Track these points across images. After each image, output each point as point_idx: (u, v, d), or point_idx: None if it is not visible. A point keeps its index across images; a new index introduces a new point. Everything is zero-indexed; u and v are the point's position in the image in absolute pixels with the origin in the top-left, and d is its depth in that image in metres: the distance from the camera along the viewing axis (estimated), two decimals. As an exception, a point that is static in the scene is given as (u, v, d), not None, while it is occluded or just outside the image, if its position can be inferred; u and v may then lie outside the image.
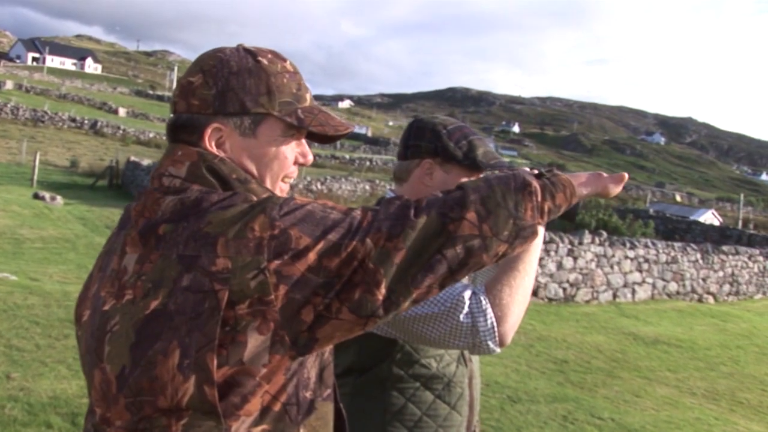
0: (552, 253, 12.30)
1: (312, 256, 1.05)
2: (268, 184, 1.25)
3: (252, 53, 1.24)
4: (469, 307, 1.52)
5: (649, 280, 13.74)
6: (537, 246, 1.61)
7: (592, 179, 1.38)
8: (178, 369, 1.03)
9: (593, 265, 12.79)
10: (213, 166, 1.18)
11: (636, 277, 13.51)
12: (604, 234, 13.51)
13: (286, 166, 1.27)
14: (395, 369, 1.74)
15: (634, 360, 8.52)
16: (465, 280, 1.94)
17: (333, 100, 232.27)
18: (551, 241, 12.30)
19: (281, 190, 1.29)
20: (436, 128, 1.81)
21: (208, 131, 1.20)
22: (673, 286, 14.17)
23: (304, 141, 1.31)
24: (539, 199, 1.21)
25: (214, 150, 1.20)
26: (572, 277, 12.50)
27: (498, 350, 1.55)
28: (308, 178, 26.67)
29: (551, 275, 12.27)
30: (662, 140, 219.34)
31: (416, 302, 1.11)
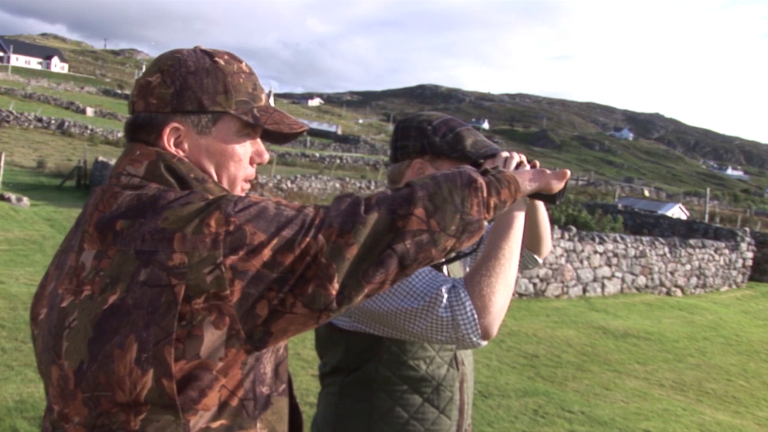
0: (522, 249, 12.36)
1: (267, 252, 1.06)
2: (225, 184, 1.27)
3: (209, 54, 1.27)
4: (447, 300, 1.47)
5: (618, 274, 13.90)
6: (517, 233, 1.56)
7: (536, 176, 1.42)
8: (135, 363, 1.03)
9: (563, 260, 12.90)
10: (171, 165, 1.19)
11: (605, 271, 13.66)
12: (574, 229, 13.63)
13: (243, 165, 1.29)
14: (382, 370, 1.72)
15: (604, 353, 8.61)
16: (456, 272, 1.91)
17: (302, 98, 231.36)
18: (521, 236, 12.36)
19: (242, 190, 1.31)
20: (421, 125, 1.78)
21: (167, 130, 1.21)
22: (641, 280, 14.35)
23: (259, 140, 1.34)
24: (485, 195, 1.23)
25: (172, 149, 1.22)
26: (542, 272, 12.59)
27: (483, 343, 1.49)
28: (278, 177, 26.51)
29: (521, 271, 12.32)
30: (630, 136, 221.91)
31: (368, 296, 1.13)
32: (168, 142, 1.22)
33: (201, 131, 1.24)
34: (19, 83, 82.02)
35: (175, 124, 1.21)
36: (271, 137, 1.36)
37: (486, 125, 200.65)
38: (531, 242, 1.96)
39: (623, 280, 13.99)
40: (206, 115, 1.23)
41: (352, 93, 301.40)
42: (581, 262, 13.23)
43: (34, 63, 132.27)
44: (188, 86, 1.22)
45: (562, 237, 12.96)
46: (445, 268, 1.84)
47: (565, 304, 12.07)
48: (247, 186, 1.32)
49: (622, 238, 14.22)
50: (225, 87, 1.24)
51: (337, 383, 1.78)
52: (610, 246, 13.77)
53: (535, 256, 2.05)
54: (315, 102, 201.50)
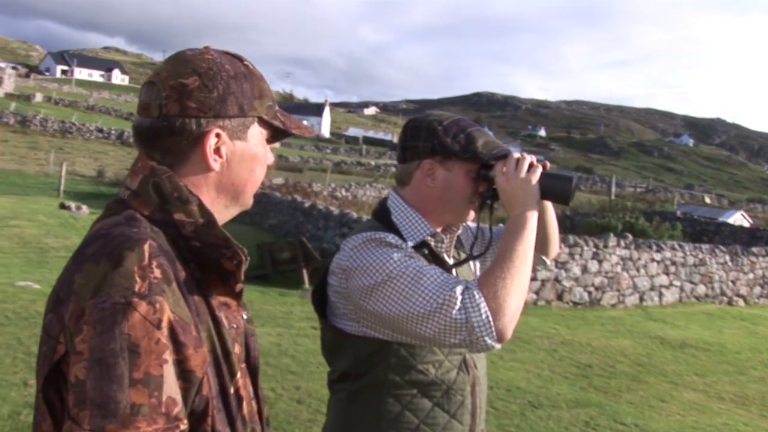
0: (576, 257, 12.14)
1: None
2: (249, 190, 1.28)
3: (238, 57, 1.27)
4: (461, 302, 1.45)
5: (677, 282, 13.50)
6: (530, 234, 1.57)
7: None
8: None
9: (619, 269, 12.61)
10: (158, 183, 1.18)
11: (663, 280, 13.29)
12: (630, 237, 13.31)
13: (264, 169, 1.30)
14: (390, 374, 1.68)
15: (660, 364, 8.35)
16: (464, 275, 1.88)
17: (358, 107, 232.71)
18: (575, 244, 12.14)
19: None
20: (432, 125, 1.74)
21: (210, 135, 1.19)
22: (701, 289, 13.91)
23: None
24: None
25: (211, 156, 1.20)
26: (597, 280, 12.32)
27: (497, 346, 1.47)
28: (333, 185, 26.64)
29: (576, 279, 12.11)
30: (690, 142, 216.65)
31: None
32: (209, 149, 1.20)
33: (237, 136, 1.23)
34: (82, 95, 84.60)
35: (218, 130, 1.20)
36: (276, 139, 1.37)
37: (543, 132, 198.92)
38: (539, 243, 1.91)
39: (682, 288, 13.59)
40: (244, 119, 1.23)
41: (407, 101, 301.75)
42: (638, 270, 12.90)
43: (96, 75, 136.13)
44: (231, 91, 1.20)
45: (618, 245, 12.67)
46: (454, 271, 1.80)
47: (621, 314, 11.78)
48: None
49: (680, 246, 13.83)
50: (260, 92, 1.25)
51: (346, 389, 1.75)
52: (668, 254, 13.40)
53: (543, 257, 2.02)
54: (371, 111, 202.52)
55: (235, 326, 1.24)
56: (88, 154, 37.17)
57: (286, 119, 1.30)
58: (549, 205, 1.89)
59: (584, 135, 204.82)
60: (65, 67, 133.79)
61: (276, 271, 12.31)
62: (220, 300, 1.21)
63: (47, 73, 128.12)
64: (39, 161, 32.47)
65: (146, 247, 1.07)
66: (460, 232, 1.92)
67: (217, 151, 1.21)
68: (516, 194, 1.62)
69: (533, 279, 11.63)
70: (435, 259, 1.75)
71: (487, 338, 1.44)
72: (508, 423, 5.34)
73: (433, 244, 1.77)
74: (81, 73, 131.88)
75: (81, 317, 1.02)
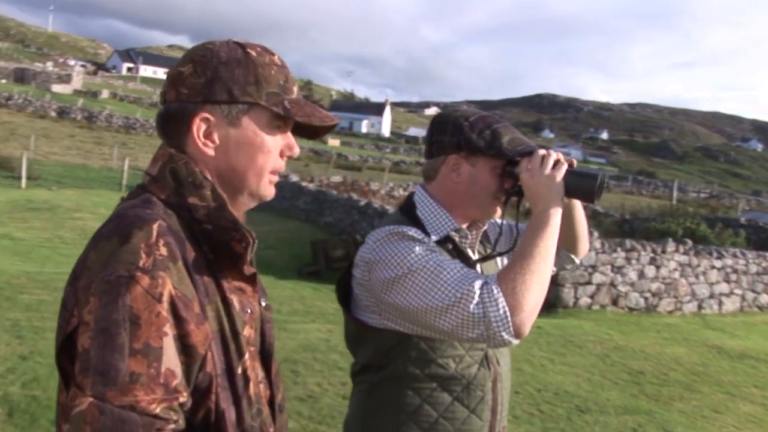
0: (633, 262, 11.89)
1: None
2: (252, 177, 1.28)
3: (241, 45, 1.28)
4: (479, 296, 1.45)
5: (738, 291, 13.09)
6: (553, 231, 1.56)
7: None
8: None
9: (677, 275, 12.30)
10: (174, 168, 1.22)
11: (723, 287, 12.91)
12: (689, 242, 12.97)
13: (272, 157, 1.28)
14: (410, 367, 1.69)
15: (716, 374, 8.10)
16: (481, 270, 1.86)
17: (419, 107, 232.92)
18: (632, 249, 11.90)
19: (270, 182, 1.30)
20: (458, 121, 1.74)
21: (196, 120, 1.22)
22: (764, 298, 13.46)
23: (290, 134, 1.33)
24: None
25: (201, 140, 1.23)
26: (654, 286, 12.04)
27: (515, 341, 1.46)
28: (391, 184, 26.67)
29: (632, 284, 11.86)
30: (759, 147, 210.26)
31: None
32: (198, 132, 1.23)
33: (231, 122, 1.24)
34: (146, 92, 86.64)
35: (206, 114, 1.22)
36: (305, 132, 1.36)
37: (605, 135, 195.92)
38: (568, 242, 1.92)
39: (743, 297, 13.17)
40: (237, 105, 1.23)
41: (468, 102, 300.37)
42: (697, 277, 12.56)
43: (160, 73, 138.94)
44: (219, 76, 1.22)
45: (677, 250, 12.36)
46: (478, 266, 1.80)
47: (678, 321, 11.48)
48: (275, 178, 1.32)
49: (742, 254, 13.42)
50: (256, 78, 1.24)
51: (367, 381, 1.77)
52: (729, 261, 13.01)
53: (572, 256, 2.00)
54: (432, 111, 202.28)
55: (249, 311, 1.27)
56: (151, 149, 37.99)
57: (294, 107, 1.27)
58: (577, 204, 1.87)
59: (647, 138, 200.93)
60: (131, 65, 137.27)
61: (329, 267, 12.43)
62: (235, 284, 1.25)
63: (114, 71, 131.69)
64: (103, 156, 33.42)
65: (155, 226, 1.11)
66: (486, 228, 1.91)
67: (208, 135, 1.23)
68: (540, 191, 1.61)
69: (588, 283, 11.44)
70: (459, 254, 1.75)
71: (504, 333, 1.44)
72: (553, 427, 5.26)
73: (457, 239, 1.77)
74: (146, 71, 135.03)
75: (90, 290, 1.07)
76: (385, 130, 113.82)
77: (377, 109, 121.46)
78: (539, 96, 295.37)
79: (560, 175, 1.62)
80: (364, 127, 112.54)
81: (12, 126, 39.14)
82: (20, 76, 75.26)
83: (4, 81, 70.35)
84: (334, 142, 72.46)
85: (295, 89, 1.30)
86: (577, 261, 2.03)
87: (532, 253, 1.50)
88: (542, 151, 1.66)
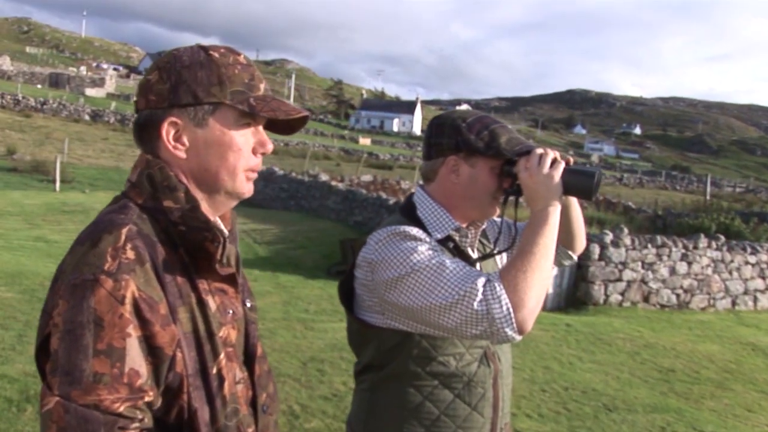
0: (664, 258, 11.76)
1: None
2: (225, 177, 1.30)
3: (204, 48, 1.31)
4: (482, 294, 1.48)
5: (774, 287, 12.87)
6: (552, 228, 1.59)
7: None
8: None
9: (710, 271, 12.12)
10: (150, 173, 1.26)
11: (758, 284, 12.70)
12: (722, 238, 12.77)
13: (243, 155, 1.30)
14: (412, 366, 1.72)
15: (750, 372, 7.96)
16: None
17: (450, 104, 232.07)
18: (663, 245, 11.76)
19: (247, 179, 1.32)
20: (456, 122, 1.76)
21: (164, 125, 1.25)
22: (801, 294, 13.22)
23: (261, 129, 1.34)
24: None
25: (171, 144, 1.26)
26: (686, 283, 11.89)
27: (518, 337, 1.49)
28: (421, 182, 26.56)
29: (663, 281, 11.72)
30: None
31: None
32: (167, 136, 1.26)
33: (198, 123, 1.26)
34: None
35: (173, 119, 1.25)
36: (278, 128, 1.39)
37: (638, 130, 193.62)
38: (565, 238, 1.94)
39: (779, 293, 12.94)
40: (202, 107, 1.26)
41: (500, 99, 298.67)
42: (730, 273, 12.37)
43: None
44: (183, 80, 1.25)
45: (709, 246, 12.19)
46: (478, 265, 1.81)
47: (711, 318, 11.32)
48: (253, 176, 1.34)
49: (778, 249, 13.18)
50: (219, 78, 1.26)
51: (369, 380, 1.80)
52: (764, 257, 12.80)
53: (570, 252, 2.03)
54: (463, 108, 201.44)
55: (231, 312, 1.29)
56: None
57: (260, 103, 1.28)
58: (574, 201, 1.90)
59: (681, 133, 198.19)
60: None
61: (357, 267, 12.42)
62: (215, 285, 1.28)
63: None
64: (136, 159, 33.72)
65: (125, 230, 1.16)
66: (485, 226, 1.94)
67: (177, 139, 1.27)
68: (539, 190, 1.63)
69: (618, 280, 11.34)
70: (459, 253, 1.77)
71: (507, 330, 1.46)
72: (579, 425, 5.22)
73: (457, 238, 1.79)
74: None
75: (60, 292, 1.13)
76: (416, 129, 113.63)
77: (408, 107, 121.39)
78: (571, 92, 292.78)
79: (558, 173, 1.64)
80: (395, 125, 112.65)
81: (47, 130, 39.86)
82: (55, 81, 76.69)
83: (39, 86, 71.71)
84: (365, 141, 72.52)
85: (262, 86, 1.32)
86: (575, 257, 2.05)
87: (532, 250, 1.53)
88: (540, 150, 1.67)
